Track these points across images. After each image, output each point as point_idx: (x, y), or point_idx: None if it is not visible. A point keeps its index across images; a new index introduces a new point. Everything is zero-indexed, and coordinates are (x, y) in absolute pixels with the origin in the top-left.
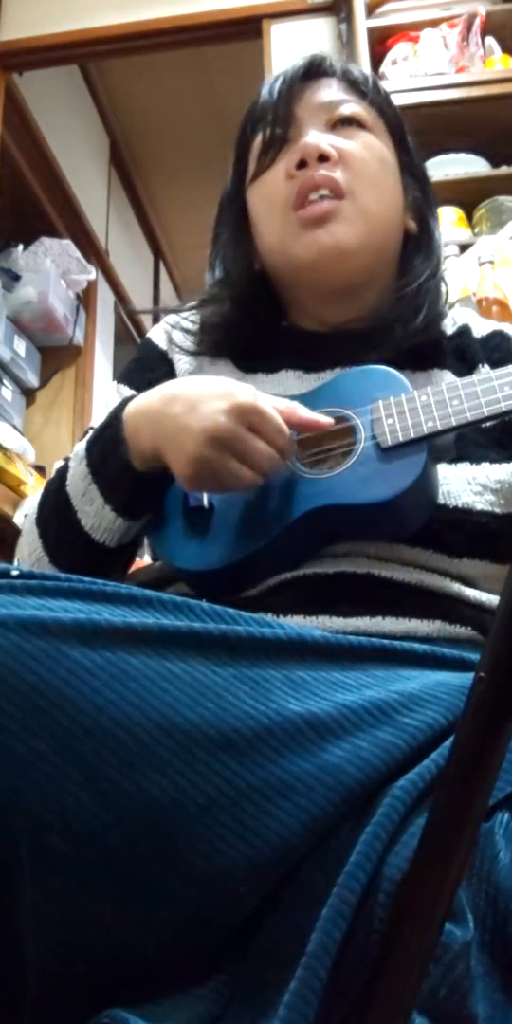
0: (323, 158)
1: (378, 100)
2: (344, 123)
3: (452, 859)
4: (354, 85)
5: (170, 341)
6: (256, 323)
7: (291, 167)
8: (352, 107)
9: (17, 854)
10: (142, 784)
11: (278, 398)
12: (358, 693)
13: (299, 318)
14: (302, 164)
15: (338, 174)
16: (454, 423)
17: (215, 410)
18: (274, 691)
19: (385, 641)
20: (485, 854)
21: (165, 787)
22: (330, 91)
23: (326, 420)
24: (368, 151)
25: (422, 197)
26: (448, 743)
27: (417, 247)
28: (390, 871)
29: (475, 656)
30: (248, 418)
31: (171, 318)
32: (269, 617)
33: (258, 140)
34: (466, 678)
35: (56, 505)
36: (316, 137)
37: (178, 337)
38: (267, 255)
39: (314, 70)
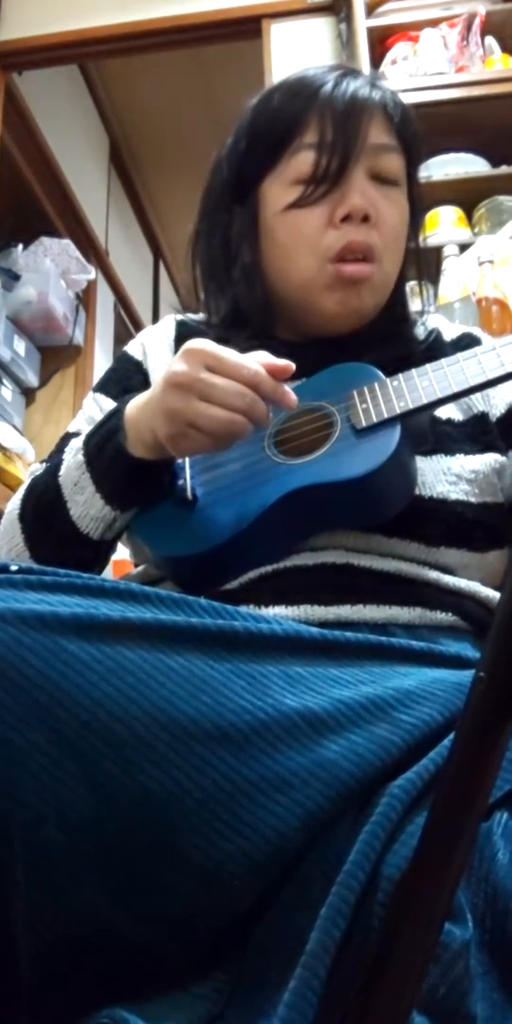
0: (365, 218)
1: (408, 138)
2: (382, 176)
3: (452, 859)
4: (391, 121)
5: (145, 353)
6: (251, 342)
7: (337, 219)
8: (392, 159)
9: (12, 846)
10: (138, 777)
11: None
12: (354, 689)
13: (282, 331)
14: (346, 217)
15: (374, 239)
16: (424, 401)
17: (173, 363)
18: (271, 686)
19: (382, 638)
20: (484, 854)
21: (161, 780)
22: (377, 129)
23: (290, 364)
24: (398, 214)
25: (416, 233)
26: (446, 742)
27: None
28: (389, 870)
29: (470, 652)
30: (203, 360)
31: (146, 333)
32: (251, 609)
33: (306, 157)
34: (463, 675)
35: (44, 495)
36: (364, 197)
37: (155, 349)
38: (281, 282)
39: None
